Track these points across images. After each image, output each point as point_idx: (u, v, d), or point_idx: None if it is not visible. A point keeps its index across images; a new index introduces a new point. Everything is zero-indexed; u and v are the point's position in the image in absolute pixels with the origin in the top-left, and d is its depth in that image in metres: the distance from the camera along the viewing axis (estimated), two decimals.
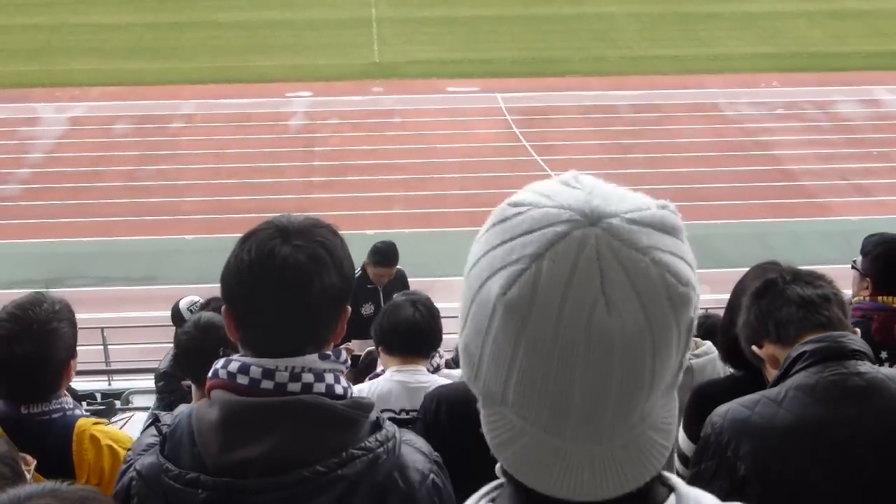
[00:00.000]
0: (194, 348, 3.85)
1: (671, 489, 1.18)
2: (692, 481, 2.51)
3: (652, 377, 1.10)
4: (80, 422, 2.99)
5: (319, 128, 23.59)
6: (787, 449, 2.41)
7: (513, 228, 1.11)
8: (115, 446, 3.00)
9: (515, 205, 1.13)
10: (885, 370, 2.57)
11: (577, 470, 1.10)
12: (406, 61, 28.52)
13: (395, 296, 4.80)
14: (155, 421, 2.07)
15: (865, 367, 2.51)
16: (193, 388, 4.08)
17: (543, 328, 1.07)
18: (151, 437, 2.03)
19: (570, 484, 1.10)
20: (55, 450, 2.89)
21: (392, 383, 4.23)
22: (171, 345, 10.59)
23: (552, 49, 29.41)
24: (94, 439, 2.97)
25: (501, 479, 1.20)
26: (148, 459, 1.99)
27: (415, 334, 4.34)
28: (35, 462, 2.55)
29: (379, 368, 4.90)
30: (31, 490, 1.62)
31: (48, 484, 1.65)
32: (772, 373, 2.70)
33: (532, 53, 29.04)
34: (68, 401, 3.03)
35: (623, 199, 1.12)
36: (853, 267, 4.56)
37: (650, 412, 1.13)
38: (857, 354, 2.53)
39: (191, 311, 6.95)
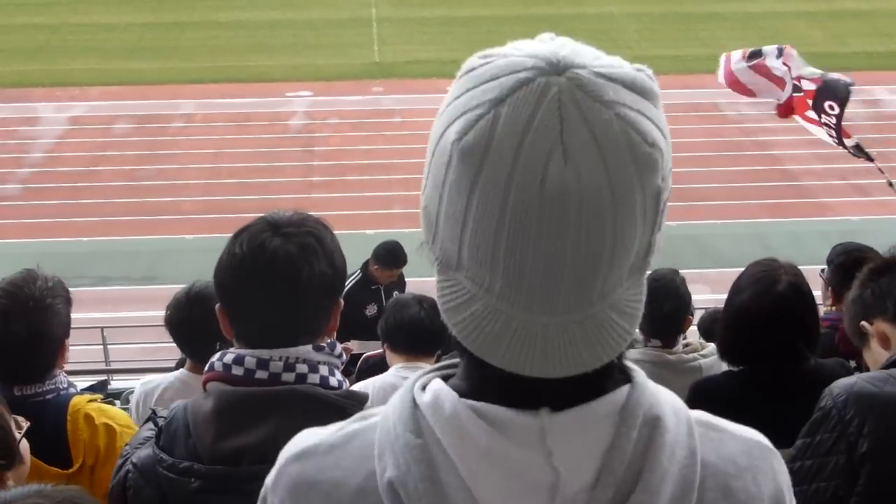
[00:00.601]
0: (185, 319, 3.88)
1: (628, 380, 1.12)
2: (803, 451, 2.50)
3: (613, 245, 1.03)
4: (75, 400, 2.95)
5: (319, 127, 23.59)
6: None
7: (477, 77, 1.06)
8: (110, 423, 2.97)
9: (484, 56, 1.09)
10: None
11: (528, 342, 1.05)
12: (406, 61, 28.52)
13: (400, 294, 4.82)
14: (152, 415, 2.09)
15: None
16: (188, 363, 4.14)
17: (497, 176, 1.02)
18: (148, 430, 2.06)
19: (521, 357, 1.05)
20: (50, 431, 2.85)
21: (395, 378, 4.26)
22: (172, 346, 10.60)
23: None
24: (89, 418, 2.93)
25: (454, 360, 1.16)
26: (144, 452, 2.01)
27: (420, 332, 4.36)
28: (28, 424, 2.53)
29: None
30: (17, 492, 1.62)
31: (34, 486, 1.66)
32: (878, 351, 2.61)
33: None
34: (62, 380, 3.00)
35: (596, 56, 1.07)
36: (821, 276, 4.55)
37: (612, 290, 1.07)
38: None
39: None
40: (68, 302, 3.05)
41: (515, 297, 1.05)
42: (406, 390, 1.13)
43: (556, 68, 1.04)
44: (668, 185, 1.09)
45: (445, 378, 1.14)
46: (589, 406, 1.08)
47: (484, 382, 1.10)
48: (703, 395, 3.31)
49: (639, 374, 1.14)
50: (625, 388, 1.11)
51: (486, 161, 1.02)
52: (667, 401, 1.13)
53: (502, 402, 1.08)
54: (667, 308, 4.11)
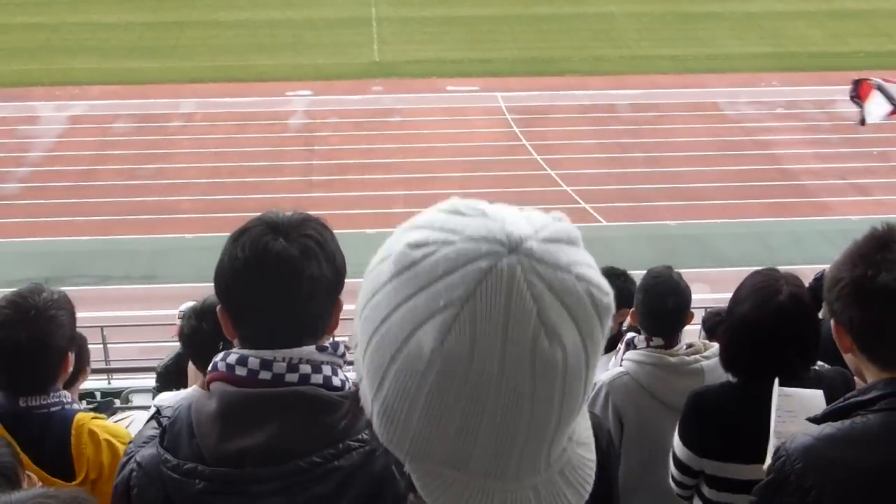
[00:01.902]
0: (192, 331, 3.93)
1: None
2: None
3: (585, 393, 1.08)
4: (79, 416, 2.99)
5: (319, 127, 23.59)
6: (877, 499, 2.22)
7: (427, 273, 1.03)
8: (113, 441, 3.00)
9: (418, 246, 1.05)
10: None
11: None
12: (406, 60, 28.52)
13: None
14: (156, 414, 2.10)
15: None
16: (190, 370, 4.14)
17: (488, 372, 1.01)
18: (152, 429, 2.06)
19: None
20: (54, 444, 2.89)
21: None
22: (172, 345, 10.57)
23: (552, 48, 29.41)
24: (93, 434, 2.96)
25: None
26: (148, 451, 2.01)
27: None
28: (40, 484, 2.55)
29: None
30: (21, 496, 1.62)
31: (38, 489, 1.66)
32: (848, 358, 2.42)
33: (532, 53, 29.04)
34: (66, 394, 3.03)
35: (526, 220, 1.07)
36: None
37: (575, 428, 1.12)
38: None
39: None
40: (72, 315, 3.08)
41: (506, 470, 1.07)
42: None
43: (509, 247, 1.03)
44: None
45: None
46: None
47: None
48: (700, 404, 3.30)
49: None
50: None
51: (475, 361, 1.01)
52: None
53: None
54: (670, 304, 4.10)
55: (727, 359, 3.30)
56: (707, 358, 4.05)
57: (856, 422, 2.27)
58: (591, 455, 1.14)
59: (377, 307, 1.07)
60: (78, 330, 4.47)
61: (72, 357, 3.08)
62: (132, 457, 2.05)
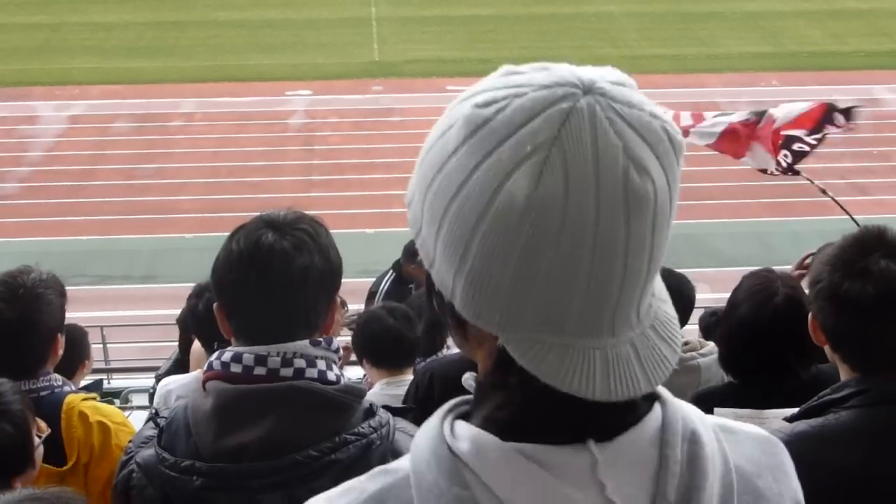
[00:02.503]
0: (192, 310, 3.94)
1: (655, 398, 1.12)
2: None
3: (668, 235, 1.06)
4: (69, 398, 2.96)
5: (319, 126, 23.59)
6: (850, 499, 2.24)
7: (505, 125, 1.01)
8: (104, 421, 2.98)
9: (487, 104, 1.03)
10: None
11: (625, 361, 1.05)
12: (406, 60, 28.52)
13: (372, 308, 4.81)
14: (153, 415, 2.11)
15: None
16: (193, 354, 4.15)
17: (584, 211, 0.99)
18: (150, 430, 2.07)
19: (618, 376, 1.04)
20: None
21: (383, 397, 4.26)
22: (172, 345, 10.58)
23: (552, 48, 29.40)
24: (83, 416, 2.94)
25: (462, 398, 1.12)
26: (147, 451, 2.03)
27: (397, 344, 4.36)
28: (49, 431, 2.56)
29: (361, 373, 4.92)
30: (8, 497, 1.63)
31: (25, 490, 1.66)
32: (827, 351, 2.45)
33: (532, 52, 29.02)
34: (56, 378, 3.01)
35: (585, 69, 1.08)
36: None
37: (646, 311, 1.09)
38: None
39: None
40: (62, 295, 3.07)
41: (600, 325, 1.04)
42: (436, 439, 1.08)
43: (584, 88, 1.04)
44: None
45: (465, 417, 1.10)
46: (633, 432, 1.08)
47: (521, 419, 1.07)
48: (704, 407, 3.31)
49: (664, 390, 1.13)
50: (657, 408, 1.11)
51: (569, 201, 0.99)
52: (694, 412, 1.14)
53: (546, 437, 1.05)
54: (683, 304, 4.12)
55: (726, 360, 3.31)
56: (703, 356, 4.06)
57: (829, 419, 2.29)
58: (672, 311, 1.12)
59: (451, 174, 1.03)
60: (78, 325, 4.47)
61: (61, 339, 3.06)
62: (132, 457, 2.06)
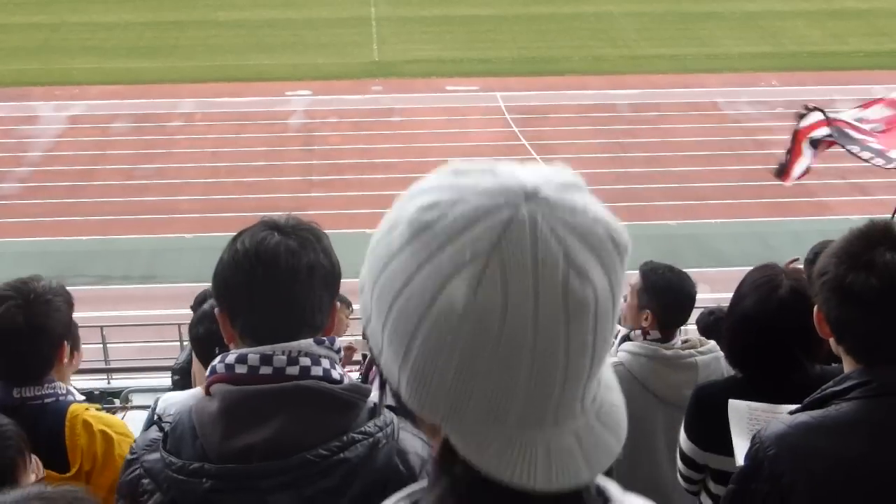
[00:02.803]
0: (214, 332, 3.91)
1: (605, 498, 1.14)
2: (735, 499, 2.45)
3: (612, 333, 1.08)
4: (73, 407, 2.99)
5: (318, 126, 23.60)
6: (849, 491, 2.25)
7: (447, 231, 1.03)
8: (108, 431, 3.00)
9: (430, 208, 1.05)
10: None
11: (568, 450, 1.07)
12: (405, 60, 28.53)
13: None
14: (157, 421, 2.09)
15: None
16: (197, 371, 4.12)
17: (522, 318, 1.01)
18: (155, 433, 2.06)
19: (560, 465, 1.06)
20: (48, 435, 2.89)
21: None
22: (180, 344, 10.57)
23: (551, 48, 29.41)
24: (87, 424, 2.97)
25: (422, 484, 1.15)
26: (153, 455, 2.01)
27: None
28: (43, 475, 2.55)
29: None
30: (18, 494, 1.62)
31: (34, 487, 1.65)
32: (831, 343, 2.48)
33: (531, 52, 29.04)
34: (61, 386, 3.04)
35: (532, 171, 1.07)
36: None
37: (592, 399, 1.11)
38: None
39: None
40: (69, 304, 3.11)
41: (544, 418, 1.06)
42: None
43: (527, 195, 1.04)
44: None
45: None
46: None
47: None
48: (704, 398, 3.31)
49: (615, 488, 1.15)
50: None
51: (508, 310, 1.01)
52: None
53: None
54: (685, 301, 4.15)
55: (731, 354, 3.32)
56: (702, 353, 4.06)
57: (829, 410, 2.31)
58: (618, 398, 1.14)
59: (394, 275, 1.06)
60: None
61: (67, 347, 3.09)
62: (138, 459, 2.04)
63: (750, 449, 2.39)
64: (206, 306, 4.31)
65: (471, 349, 1.02)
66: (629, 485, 3.69)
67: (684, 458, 3.39)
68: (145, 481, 2.00)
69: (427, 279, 1.03)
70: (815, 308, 2.40)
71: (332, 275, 2.06)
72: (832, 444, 2.26)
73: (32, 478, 2.50)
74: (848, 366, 2.39)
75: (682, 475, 3.46)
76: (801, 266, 4.45)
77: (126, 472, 2.06)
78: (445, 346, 1.03)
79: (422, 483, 1.15)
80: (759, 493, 2.32)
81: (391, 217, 1.11)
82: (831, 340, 2.43)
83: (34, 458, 2.55)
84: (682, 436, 3.39)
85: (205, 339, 3.97)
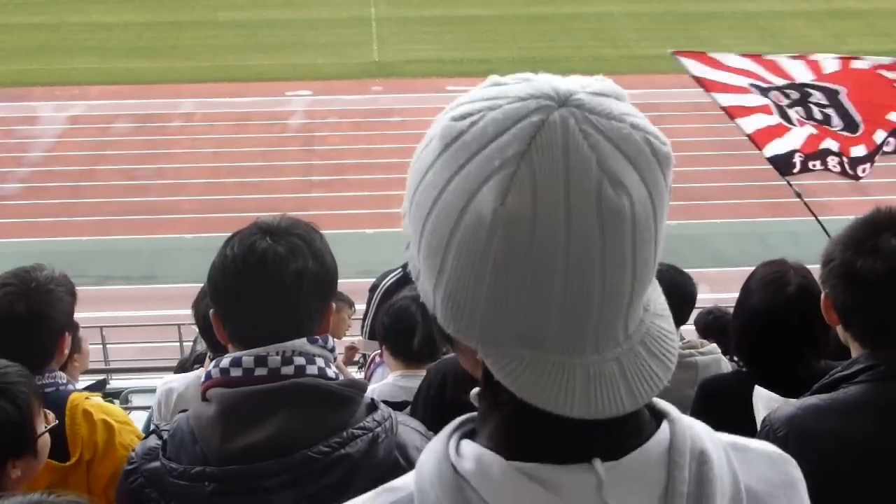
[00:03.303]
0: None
1: (662, 416, 1.09)
2: None
3: (656, 249, 1.03)
4: (73, 396, 2.98)
5: (318, 127, 23.60)
6: (857, 471, 2.29)
7: (477, 138, 1.00)
8: (108, 420, 2.99)
9: (463, 117, 1.02)
10: None
11: (609, 377, 1.02)
12: (405, 60, 28.53)
13: (405, 299, 4.72)
14: (155, 430, 2.09)
15: None
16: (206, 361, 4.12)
17: (554, 227, 0.97)
18: (154, 441, 2.05)
19: (599, 393, 1.02)
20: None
21: (395, 388, 4.25)
22: (180, 344, 10.55)
23: (551, 48, 29.42)
24: (87, 414, 2.95)
25: (469, 416, 1.10)
26: (153, 464, 2.00)
27: (421, 343, 4.33)
28: (56, 422, 2.56)
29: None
30: (17, 501, 1.62)
31: (35, 495, 1.65)
32: (838, 330, 2.51)
33: (531, 52, 29.05)
34: (61, 375, 3.03)
35: (569, 78, 1.04)
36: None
37: (649, 298, 1.07)
38: None
39: None
40: (72, 294, 3.10)
41: (583, 342, 1.02)
42: (441, 457, 1.06)
43: (559, 100, 1.00)
44: None
45: (470, 435, 1.08)
46: (640, 451, 1.05)
47: (526, 438, 1.05)
48: (712, 392, 3.32)
49: (672, 409, 1.10)
50: (665, 427, 1.08)
51: (538, 217, 0.97)
52: (704, 431, 1.11)
53: (551, 457, 1.03)
54: (685, 299, 4.15)
55: (739, 350, 3.33)
56: (703, 354, 4.06)
57: (838, 394, 2.34)
58: (670, 326, 1.08)
59: (427, 188, 1.03)
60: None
61: (68, 339, 3.08)
62: (138, 467, 2.03)
63: (760, 431, 2.40)
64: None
65: (502, 263, 0.98)
66: None
67: None
68: (148, 490, 1.99)
69: (456, 190, 1.00)
70: (823, 296, 2.43)
71: (323, 280, 2.05)
72: (841, 426, 2.29)
73: (42, 426, 2.49)
74: (855, 352, 2.41)
75: None
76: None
77: (127, 482, 2.05)
78: (476, 260, 0.99)
79: (472, 415, 1.11)
80: None
81: (428, 132, 1.07)
82: (839, 328, 2.45)
83: (45, 411, 2.55)
84: None
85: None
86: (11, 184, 20.37)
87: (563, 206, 0.97)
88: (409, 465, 1.93)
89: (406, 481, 1.10)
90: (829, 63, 6.63)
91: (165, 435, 2.02)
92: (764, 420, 2.41)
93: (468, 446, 1.06)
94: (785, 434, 2.31)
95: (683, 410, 1.20)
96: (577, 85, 1.03)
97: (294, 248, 2.02)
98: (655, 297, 1.09)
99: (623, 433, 1.05)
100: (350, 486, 1.90)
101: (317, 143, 22.51)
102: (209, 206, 18.86)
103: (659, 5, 33.31)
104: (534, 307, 1.00)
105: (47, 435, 2.52)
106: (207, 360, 4.26)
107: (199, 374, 4.13)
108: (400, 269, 8.37)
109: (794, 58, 6.84)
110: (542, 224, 0.97)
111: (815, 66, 6.64)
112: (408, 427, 2.03)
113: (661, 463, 1.06)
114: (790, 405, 2.37)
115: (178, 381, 4.31)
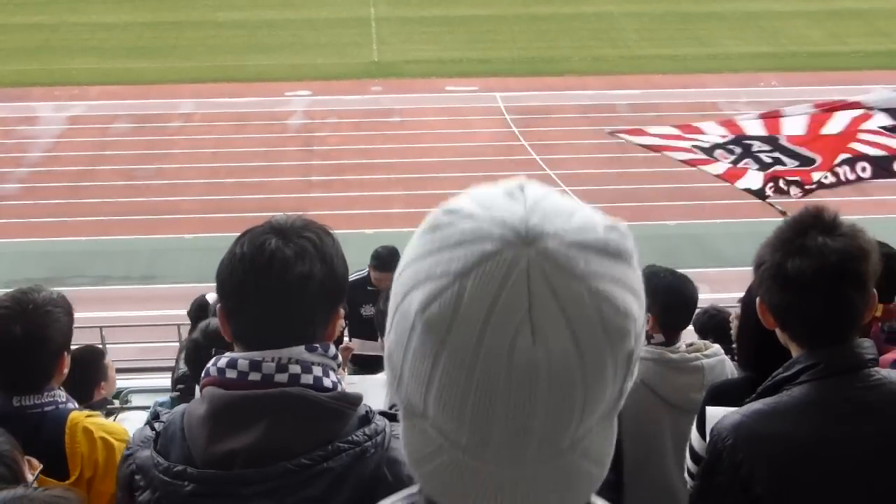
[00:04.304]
0: (202, 359, 3.90)
1: None
2: (703, 492, 2.46)
3: (583, 408, 1.01)
4: (73, 415, 2.98)
5: (318, 127, 23.59)
6: (806, 471, 2.31)
7: (442, 239, 1.02)
8: (108, 438, 3.00)
9: (450, 212, 1.04)
10: (895, 374, 2.41)
11: (496, 494, 1.02)
12: (405, 60, 28.52)
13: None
14: (154, 418, 2.10)
15: (879, 376, 2.37)
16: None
17: (462, 352, 0.99)
18: (150, 431, 2.07)
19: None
20: (48, 444, 2.88)
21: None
22: (180, 344, 10.55)
23: (551, 48, 29.41)
24: (87, 431, 2.96)
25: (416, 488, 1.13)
26: (144, 453, 2.03)
27: None
28: (41, 467, 2.55)
29: None
30: (1, 497, 1.61)
31: (19, 490, 1.65)
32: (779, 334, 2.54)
33: (531, 53, 29.03)
34: (61, 394, 3.03)
35: (567, 218, 1.02)
36: None
37: (581, 439, 1.05)
38: (871, 363, 2.39)
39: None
40: (69, 314, 3.10)
41: (483, 453, 1.02)
42: None
43: (525, 240, 0.99)
44: (640, 340, 1.06)
45: None
46: None
47: None
48: (718, 396, 3.31)
49: None
50: None
51: (451, 335, 0.99)
52: None
53: None
54: (687, 303, 4.15)
55: (745, 356, 3.34)
56: (708, 357, 4.05)
57: (782, 396, 2.38)
58: (597, 470, 1.08)
59: (404, 257, 1.07)
60: (97, 345, 4.46)
61: (67, 358, 3.08)
62: (132, 454, 2.06)
63: (708, 443, 2.43)
64: (195, 334, 4.28)
65: (418, 355, 1.03)
66: (636, 487, 3.73)
67: (694, 455, 3.40)
68: (137, 477, 2.02)
69: (407, 276, 1.04)
70: (758, 300, 2.47)
71: (330, 286, 2.02)
72: (786, 428, 2.32)
73: (30, 476, 2.50)
74: (795, 352, 2.45)
75: (689, 473, 3.47)
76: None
77: (122, 466, 2.09)
78: (403, 341, 1.04)
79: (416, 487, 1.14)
80: (721, 486, 2.37)
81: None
82: (777, 331, 2.49)
83: (28, 459, 2.54)
84: (694, 433, 3.39)
85: (194, 363, 3.97)
86: (11, 184, 20.36)
87: (475, 339, 0.99)
88: (398, 481, 1.90)
89: None
90: (751, 125, 6.92)
91: (159, 427, 2.04)
92: (711, 430, 2.44)
93: None
94: (733, 442, 2.34)
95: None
96: (566, 227, 1.01)
97: (303, 251, 2.00)
98: (594, 438, 1.07)
99: None
100: (333, 500, 1.89)
101: (316, 144, 22.50)
102: (209, 206, 18.85)
103: (659, 5, 33.30)
104: (441, 402, 1.02)
105: (37, 479, 2.51)
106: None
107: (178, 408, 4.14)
108: (365, 270, 8.41)
109: (721, 123, 7.16)
110: (452, 345, 1.00)
111: (737, 128, 6.92)
112: None
113: None
114: (735, 413, 2.39)
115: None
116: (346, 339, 8.01)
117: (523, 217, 1.01)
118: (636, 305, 1.03)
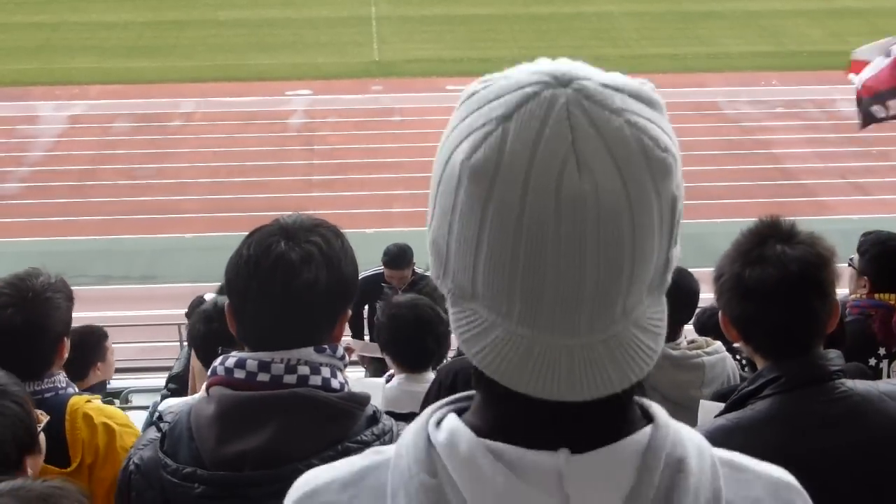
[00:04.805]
0: (213, 332, 3.88)
1: (650, 420, 1.08)
2: None
3: (632, 256, 1.00)
4: (73, 400, 2.96)
5: (319, 126, 23.59)
6: None
7: (480, 99, 1.03)
8: (109, 423, 2.97)
9: (484, 80, 1.07)
10: (861, 385, 2.35)
11: (552, 365, 1.00)
12: (406, 60, 28.52)
13: (392, 299, 4.71)
14: (158, 419, 2.10)
15: (844, 388, 2.32)
16: (195, 369, 4.11)
17: (511, 191, 0.98)
18: (154, 432, 2.06)
19: (546, 381, 1.00)
20: (48, 430, 2.86)
21: (401, 392, 4.24)
22: (180, 344, 10.55)
23: (552, 48, 29.36)
24: (88, 417, 2.94)
25: (469, 392, 1.11)
26: (147, 454, 2.02)
27: (419, 353, 4.32)
28: (47, 418, 2.55)
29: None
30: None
31: (17, 480, 1.66)
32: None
33: (531, 52, 28.71)
34: (61, 379, 3.01)
35: (598, 71, 1.06)
36: (850, 265, 4.62)
37: (633, 307, 1.04)
38: (836, 375, 2.34)
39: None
40: (69, 299, 3.07)
41: (536, 321, 1.01)
42: (420, 427, 1.09)
43: (561, 81, 1.02)
44: (681, 194, 1.05)
45: (460, 412, 1.09)
46: (610, 448, 1.04)
47: (503, 419, 1.05)
48: (723, 394, 3.33)
49: (660, 413, 1.09)
50: (647, 429, 1.06)
51: (498, 178, 0.99)
52: (691, 441, 1.09)
53: (521, 440, 1.03)
54: (688, 296, 4.17)
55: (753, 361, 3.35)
56: (709, 354, 4.06)
57: (746, 411, 2.34)
58: (651, 343, 1.08)
59: (446, 129, 1.08)
60: (99, 325, 4.43)
61: (67, 343, 3.06)
62: (132, 458, 2.06)
63: None
64: (206, 305, 4.30)
65: (464, 214, 1.02)
66: None
67: None
68: (135, 477, 2.01)
69: (448, 142, 1.05)
70: (720, 312, 2.43)
71: (336, 289, 2.01)
72: (749, 443, 2.27)
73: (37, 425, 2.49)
74: (760, 364, 2.41)
75: None
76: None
77: (123, 467, 2.09)
78: (448, 208, 1.04)
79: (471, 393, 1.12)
80: None
81: None
82: (741, 344, 2.45)
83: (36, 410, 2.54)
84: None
85: (204, 338, 3.96)
86: (12, 183, 20.36)
87: (522, 175, 0.98)
88: None
89: (391, 447, 1.13)
90: None
91: (165, 427, 2.03)
92: None
93: (450, 420, 1.07)
94: None
95: (691, 413, 1.18)
96: (594, 72, 1.06)
97: (309, 256, 1.99)
98: (648, 310, 1.07)
99: (597, 426, 1.04)
100: None
101: (317, 143, 22.50)
102: (210, 205, 18.86)
103: (659, 5, 33.29)
104: (490, 266, 1.01)
105: (43, 433, 2.52)
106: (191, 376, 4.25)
107: (196, 398, 4.12)
108: (379, 268, 8.41)
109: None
110: (499, 189, 0.99)
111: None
112: None
113: (632, 465, 1.04)
114: (701, 428, 2.33)
115: (178, 406, 4.30)
116: (366, 337, 8.06)
117: (555, 67, 1.04)
118: (675, 149, 1.04)
